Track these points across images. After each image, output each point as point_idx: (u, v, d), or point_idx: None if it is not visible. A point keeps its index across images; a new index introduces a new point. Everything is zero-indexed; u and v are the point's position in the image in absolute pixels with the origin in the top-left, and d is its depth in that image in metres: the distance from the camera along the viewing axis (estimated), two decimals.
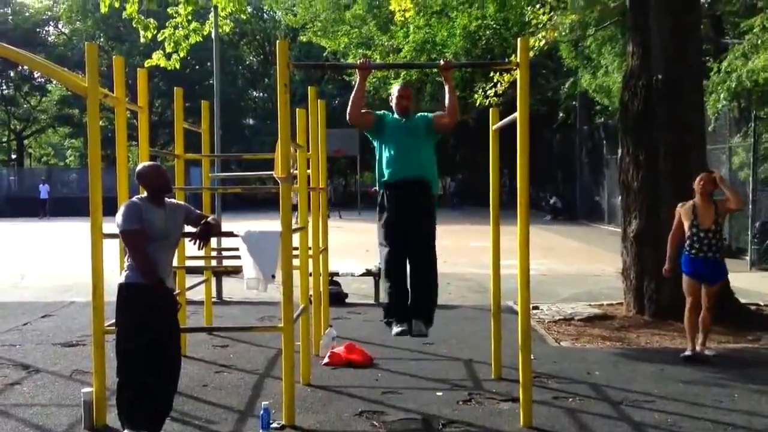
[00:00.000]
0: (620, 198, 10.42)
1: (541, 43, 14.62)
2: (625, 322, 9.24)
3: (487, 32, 23.64)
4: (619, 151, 10.00)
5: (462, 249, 17.86)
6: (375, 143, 5.99)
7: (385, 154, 5.82)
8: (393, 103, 5.99)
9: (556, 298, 11.21)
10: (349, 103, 5.79)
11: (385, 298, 5.86)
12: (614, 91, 22.59)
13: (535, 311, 9.68)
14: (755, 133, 15.16)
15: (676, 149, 9.29)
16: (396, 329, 5.65)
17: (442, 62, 5.84)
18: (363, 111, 5.88)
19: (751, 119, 15.44)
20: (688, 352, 7.45)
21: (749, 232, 15.28)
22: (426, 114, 6.02)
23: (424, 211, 5.73)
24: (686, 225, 7.45)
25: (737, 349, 7.98)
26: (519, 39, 5.53)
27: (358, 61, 5.90)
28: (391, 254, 5.70)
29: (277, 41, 5.59)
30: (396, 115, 5.95)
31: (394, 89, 6.11)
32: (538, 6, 16.40)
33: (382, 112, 6.00)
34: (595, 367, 7.10)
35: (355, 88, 5.80)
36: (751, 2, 18.24)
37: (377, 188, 5.93)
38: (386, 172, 5.77)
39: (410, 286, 5.71)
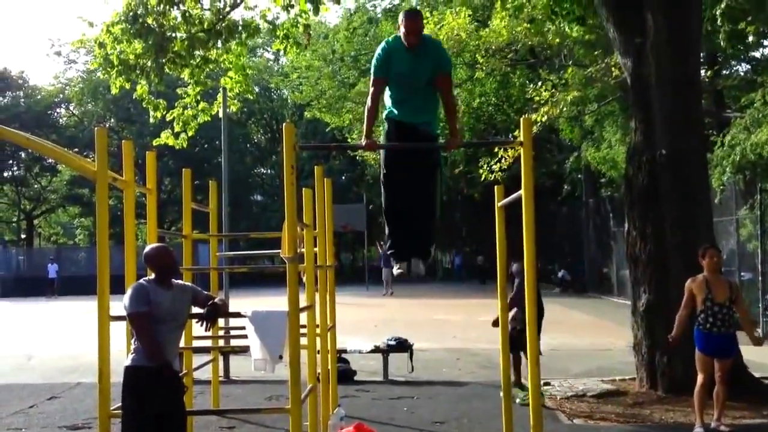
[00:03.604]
0: (629, 271, 10.38)
1: (544, 119, 14.86)
2: (638, 398, 9.09)
3: (490, 108, 24.02)
4: (626, 225, 10.02)
5: (471, 324, 17.73)
6: (389, 90, 6.11)
7: (391, 92, 6.01)
8: (401, 34, 5.83)
9: (567, 373, 11.05)
10: (368, 103, 6.05)
11: (388, 235, 6.25)
12: (620, 162, 22.82)
13: (546, 387, 9.54)
14: (761, 205, 15.19)
15: (683, 222, 9.30)
16: (396, 270, 6.27)
17: (450, 141, 5.98)
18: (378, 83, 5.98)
19: (757, 191, 15.50)
20: (699, 429, 7.31)
21: (760, 305, 15.15)
22: (439, 51, 6.04)
23: (425, 154, 6.02)
24: (699, 299, 7.39)
25: (753, 424, 7.83)
26: (522, 118, 5.62)
27: (364, 142, 5.99)
28: (389, 199, 6.04)
29: (284, 124, 5.68)
30: (405, 44, 5.82)
31: (401, 18, 5.86)
32: (540, 83, 16.70)
33: (387, 46, 5.92)
34: None
35: (369, 98, 6.04)
36: (750, 77, 18.54)
37: (385, 118, 6.16)
38: (392, 110, 6.01)
39: (410, 226, 6.05)
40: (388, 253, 6.33)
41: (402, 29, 5.77)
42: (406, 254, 6.16)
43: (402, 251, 6.16)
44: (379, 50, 5.95)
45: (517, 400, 8.50)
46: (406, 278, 6.26)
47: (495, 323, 8.75)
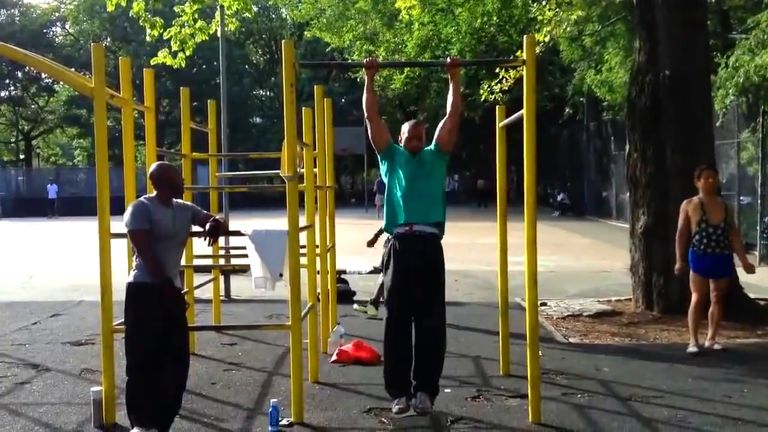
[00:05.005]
0: (628, 194, 10.39)
1: (546, 39, 14.61)
2: (633, 318, 9.22)
3: (492, 28, 23.61)
4: (627, 147, 9.97)
5: (469, 246, 17.86)
6: (382, 168, 5.76)
7: (396, 193, 5.56)
8: (402, 143, 5.69)
9: (564, 294, 11.19)
10: (364, 104, 5.68)
11: (385, 364, 5.55)
12: (616, 87, 22.60)
13: (543, 308, 9.67)
14: (763, 128, 15.10)
15: (684, 145, 9.26)
16: (395, 407, 5.31)
17: (448, 60, 5.80)
18: (382, 125, 5.75)
19: (759, 114, 15.38)
20: (693, 348, 7.43)
21: (758, 228, 15.23)
22: (430, 146, 5.74)
23: (433, 269, 5.51)
24: (694, 221, 7.42)
25: (747, 344, 7.95)
26: (525, 36, 5.52)
27: (365, 60, 5.87)
28: (396, 320, 5.46)
29: (283, 41, 5.60)
30: (406, 151, 5.66)
31: (405, 128, 5.73)
32: (543, 2, 16.37)
33: (392, 143, 5.76)
34: (604, 364, 7.09)
35: (365, 88, 5.70)
36: None
37: (386, 231, 5.71)
38: (396, 216, 5.53)
39: (415, 352, 5.42)
40: (385, 385, 5.51)
41: (404, 140, 5.65)
42: (408, 386, 5.40)
43: (404, 382, 5.41)
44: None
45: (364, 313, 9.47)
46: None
47: (370, 243, 9.33)
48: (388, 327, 5.49)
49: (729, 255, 7.50)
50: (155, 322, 4.74)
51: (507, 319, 6.78)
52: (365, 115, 5.74)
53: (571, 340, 8.23)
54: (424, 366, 5.42)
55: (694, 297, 7.52)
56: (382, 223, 5.85)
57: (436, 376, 5.47)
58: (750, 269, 7.47)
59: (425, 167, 5.58)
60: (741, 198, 16.79)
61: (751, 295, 9.65)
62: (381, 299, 8.27)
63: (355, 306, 9.55)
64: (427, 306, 5.48)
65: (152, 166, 5.06)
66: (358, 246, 11.06)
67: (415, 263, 5.45)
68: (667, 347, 7.85)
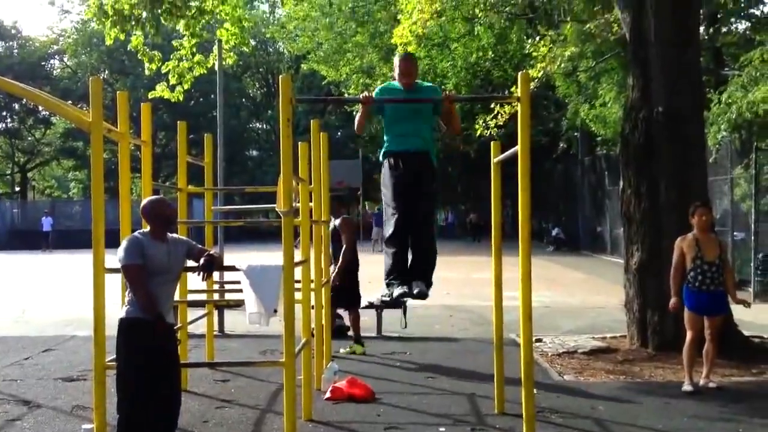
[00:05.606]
0: (623, 229, 10.41)
1: (540, 74, 14.74)
2: (628, 355, 9.18)
3: (487, 63, 23.83)
4: (621, 183, 10.01)
5: (464, 281, 17.83)
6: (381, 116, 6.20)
7: (389, 128, 6.03)
8: (396, 76, 6.08)
9: (559, 330, 11.15)
10: (356, 124, 6.20)
11: (388, 260, 6.02)
12: (610, 122, 22.77)
13: (537, 344, 9.62)
14: (757, 164, 15.20)
15: (678, 181, 9.30)
16: (398, 290, 5.86)
17: (445, 95, 5.93)
18: (363, 129, 6.28)
19: (752, 150, 15.48)
20: (688, 386, 7.39)
21: (752, 264, 15.24)
22: (436, 90, 6.20)
23: (426, 182, 5.94)
24: (689, 258, 7.42)
25: (742, 382, 7.92)
26: (520, 73, 5.58)
27: (361, 96, 5.95)
28: (399, 220, 5.88)
29: (280, 76, 5.63)
30: (399, 85, 6.04)
31: (396, 61, 6.15)
32: (538, 39, 16.54)
33: (379, 89, 6.18)
34: (599, 402, 7.05)
35: (359, 114, 6.09)
36: (749, 36, 18.39)
37: (381, 157, 6.13)
38: (390, 144, 6.01)
39: (412, 250, 5.95)
40: (388, 280, 6.02)
41: (396, 74, 6.06)
42: (408, 277, 5.95)
43: (404, 275, 5.94)
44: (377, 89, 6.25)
45: (341, 350, 9.38)
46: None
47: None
48: (391, 235, 5.91)
49: (724, 292, 7.49)
50: (147, 359, 4.70)
51: (502, 355, 6.75)
52: (355, 127, 6.29)
53: (566, 377, 8.19)
54: (423, 261, 5.96)
55: (689, 335, 7.49)
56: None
57: (432, 269, 6.00)
58: (743, 303, 7.48)
59: (421, 109, 5.95)
60: (735, 234, 16.84)
61: (746, 333, 9.63)
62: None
63: (341, 350, 9.44)
64: (426, 209, 6.03)
65: (143, 202, 5.06)
66: None
67: (407, 168, 5.90)
68: (662, 385, 7.81)
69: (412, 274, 5.90)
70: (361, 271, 9.86)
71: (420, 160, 5.94)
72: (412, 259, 5.95)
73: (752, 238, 15.31)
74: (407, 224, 5.89)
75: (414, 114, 5.93)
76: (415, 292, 5.82)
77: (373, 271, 9.24)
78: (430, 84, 6.48)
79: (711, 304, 7.38)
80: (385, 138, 6.11)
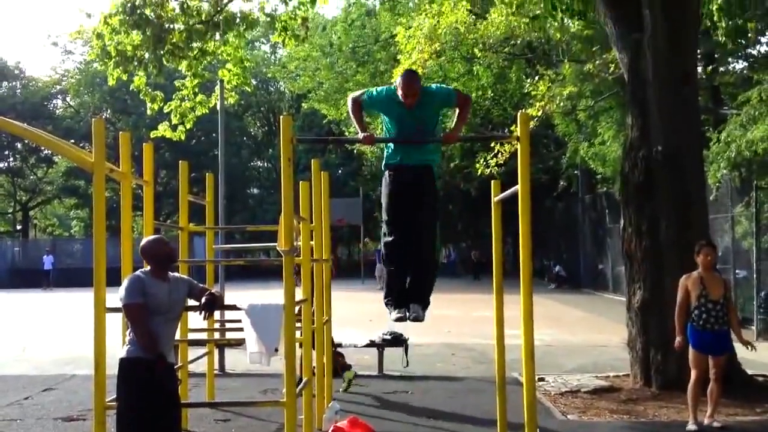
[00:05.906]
0: (624, 268, 10.40)
1: (539, 113, 14.86)
2: (632, 395, 9.11)
3: (486, 102, 24.03)
4: (622, 221, 10.03)
5: (465, 319, 17.75)
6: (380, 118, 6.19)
7: (391, 141, 5.99)
8: (399, 94, 5.84)
9: (561, 369, 11.08)
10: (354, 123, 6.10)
11: (386, 278, 6.08)
12: (609, 160, 22.89)
13: (540, 383, 9.56)
14: (757, 202, 15.22)
15: (679, 219, 9.31)
16: (395, 315, 5.89)
17: (445, 136, 5.98)
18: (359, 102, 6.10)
19: (752, 189, 15.52)
20: (692, 426, 7.33)
21: (755, 302, 15.18)
22: (443, 94, 6.10)
23: (427, 193, 5.90)
24: (694, 296, 7.40)
25: (746, 421, 7.84)
26: (519, 113, 5.62)
27: (361, 136, 5.95)
28: (393, 242, 5.89)
29: (281, 116, 5.69)
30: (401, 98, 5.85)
31: (399, 80, 5.90)
32: (537, 78, 16.69)
33: (378, 92, 6.07)
34: None
35: (352, 116, 6.09)
36: (747, 75, 18.56)
37: (383, 167, 6.10)
38: (391, 156, 5.98)
39: (411, 263, 5.92)
40: (386, 301, 6.01)
41: (400, 93, 5.85)
42: (404, 300, 5.93)
43: (400, 297, 5.95)
44: (379, 89, 6.17)
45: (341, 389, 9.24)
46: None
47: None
48: (388, 251, 5.93)
49: (728, 331, 7.46)
50: (147, 398, 4.68)
51: (504, 395, 6.70)
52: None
53: (570, 417, 8.12)
54: (420, 282, 5.95)
55: (693, 374, 7.45)
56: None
57: (429, 290, 6.00)
58: (749, 345, 7.45)
59: (426, 120, 5.89)
60: (737, 272, 16.80)
61: (749, 371, 9.57)
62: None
63: (341, 389, 9.30)
64: (424, 225, 5.91)
65: (143, 242, 5.08)
66: (354, 318, 11.07)
67: (407, 180, 5.86)
68: (666, 425, 7.74)
69: (409, 294, 5.91)
70: (361, 309, 9.83)
71: (421, 172, 5.91)
72: (411, 275, 5.93)
73: (754, 276, 15.28)
74: (404, 238, 5.87)
75: (416, 133, 5.87)
76: (410, 318, 5.85)
77: (374, 309, 9.27)
78: (436, 89, 6.23)
79: (715, 343, 7.35)
80: (385, 150, 6.11)
